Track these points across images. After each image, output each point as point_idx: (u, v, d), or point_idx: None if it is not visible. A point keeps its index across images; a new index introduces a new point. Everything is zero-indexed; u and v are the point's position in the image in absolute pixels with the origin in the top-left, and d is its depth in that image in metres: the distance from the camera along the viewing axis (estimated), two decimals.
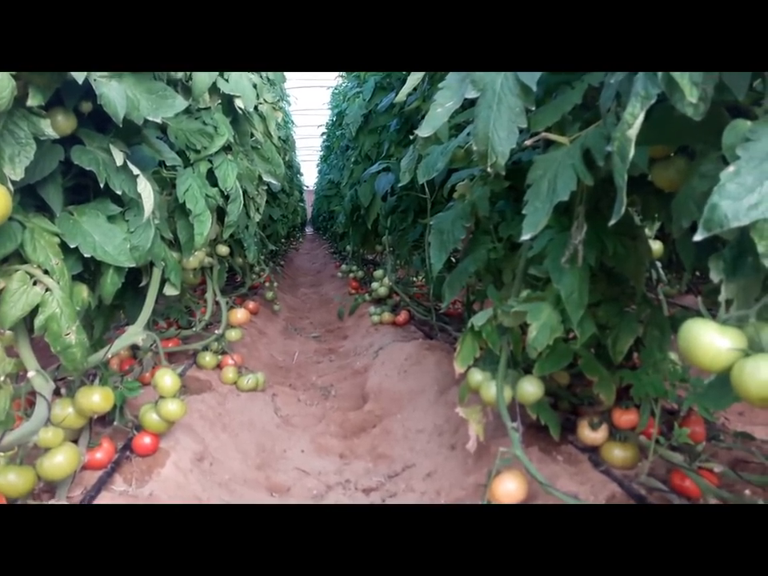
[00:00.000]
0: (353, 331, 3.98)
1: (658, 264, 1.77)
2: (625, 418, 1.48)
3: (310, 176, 14.48)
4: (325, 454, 2.21)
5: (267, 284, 4.22)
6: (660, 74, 0.70)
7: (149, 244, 1.53)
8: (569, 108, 1.05)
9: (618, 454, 1.47)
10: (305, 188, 11.97)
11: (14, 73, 1.07)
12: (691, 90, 0.68)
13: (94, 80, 1.23)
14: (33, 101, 1.20)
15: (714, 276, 0.74)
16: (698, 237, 0.62)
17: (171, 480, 1.59)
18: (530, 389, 1.47)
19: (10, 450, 1.22)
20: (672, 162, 1.04)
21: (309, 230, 9.30)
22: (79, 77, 1.15)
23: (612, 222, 0.77)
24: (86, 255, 1.41)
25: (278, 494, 1.89)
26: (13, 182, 1.21)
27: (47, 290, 1.30)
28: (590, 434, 1.52)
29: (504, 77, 0.94)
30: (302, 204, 9.35)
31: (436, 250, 1.56)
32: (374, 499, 1.89)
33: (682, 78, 0.68)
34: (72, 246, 1.37)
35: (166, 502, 1.52)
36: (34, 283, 1.28)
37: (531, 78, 0.91)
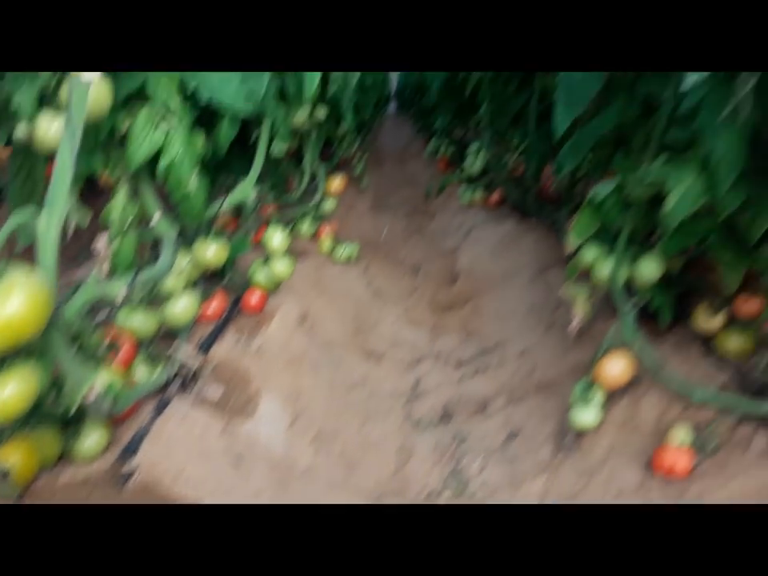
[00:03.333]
0: (441, 211, 3.91)
1: None
2: (748, 305, 1.39)
3: None
4: (416, 326, 2.25)
5: (355, 159, 4.14)
6: None
7: (263, 89, 1.51)
8: None
9: (735, 342, 1.40)
10: None
11: None
12: None
13: None
14: None
15: None
16: None
17: (277, 337, 1.67)
18: (650, 269, 1.40)
19: (140, 292, 1.30)
20: None
21: (392, 107, 8.93)
22: None
23: None
24: (204, 99, 1.40)
25: (373, 360, 1.96)
26: None
27: (168, 133, 1.31)
28: (707, 321, 1.44)
29: None
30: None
31: (562, 107, 1.42)
32: (465, 372, 1.93)
33: None
34: (191, 87, 1.37)
35: (272, 357, 1.60)
36: (158, 126, 1.30)
37: None
